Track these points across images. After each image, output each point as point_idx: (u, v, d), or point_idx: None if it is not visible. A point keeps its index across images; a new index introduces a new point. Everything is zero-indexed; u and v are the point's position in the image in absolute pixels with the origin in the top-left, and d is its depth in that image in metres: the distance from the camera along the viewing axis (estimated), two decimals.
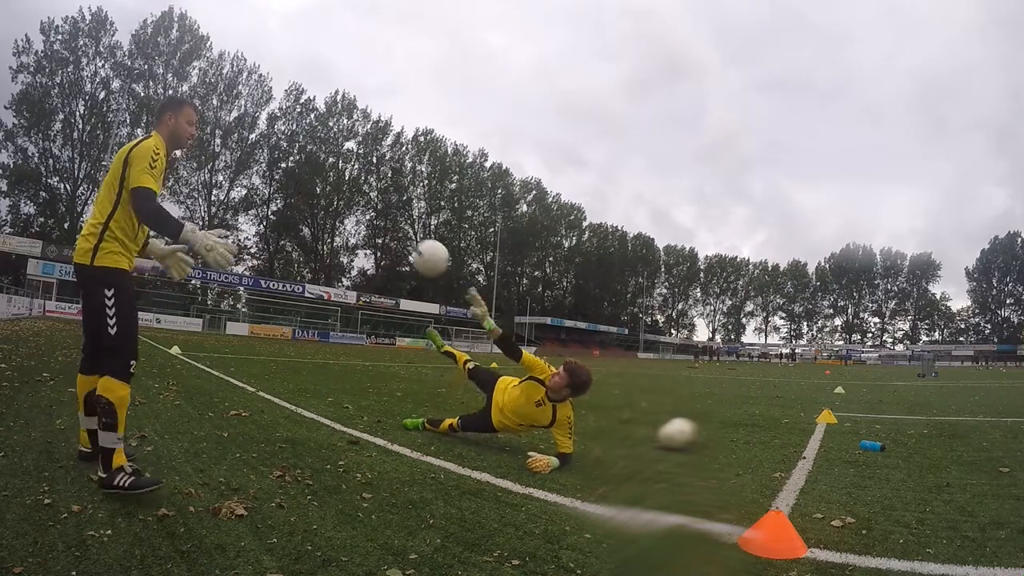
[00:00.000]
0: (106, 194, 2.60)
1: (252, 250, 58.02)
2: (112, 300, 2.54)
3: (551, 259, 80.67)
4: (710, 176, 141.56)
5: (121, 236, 2.59)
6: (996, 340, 77.78)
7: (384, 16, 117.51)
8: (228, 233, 3.23)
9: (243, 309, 47.60)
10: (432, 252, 3.82)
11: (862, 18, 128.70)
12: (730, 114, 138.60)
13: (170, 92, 49.92)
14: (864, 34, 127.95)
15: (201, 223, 46.81)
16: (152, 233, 2.86)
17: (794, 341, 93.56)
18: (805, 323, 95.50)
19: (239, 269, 53.14)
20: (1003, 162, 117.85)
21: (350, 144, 62.21)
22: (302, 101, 58.82)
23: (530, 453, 3.59)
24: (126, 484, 2.32)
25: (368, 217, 64.04)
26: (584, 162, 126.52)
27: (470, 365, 4.56)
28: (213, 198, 54.89)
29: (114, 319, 2.53)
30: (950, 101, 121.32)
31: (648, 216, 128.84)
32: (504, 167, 73.93)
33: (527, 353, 3.86)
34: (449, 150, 68.80)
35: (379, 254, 65.24)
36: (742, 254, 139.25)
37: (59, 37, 45.66)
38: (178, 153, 2.95)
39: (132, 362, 2.57)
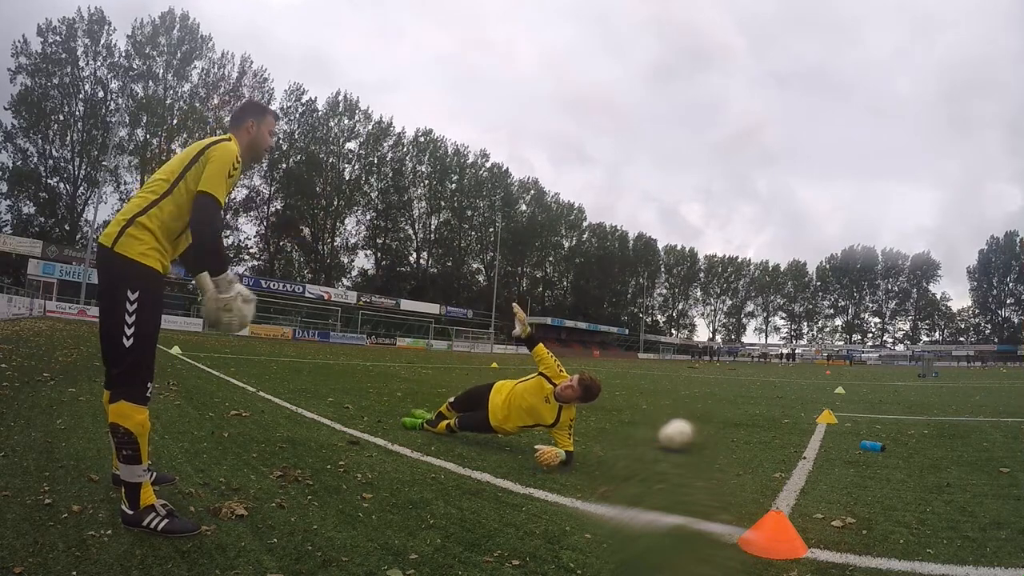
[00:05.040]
0: (158, 182, 2.22)
1: (252, 250, 58.03)
2: (135, 305, 2.10)
3: (551, 259, 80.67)
4: (718, 174, 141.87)
5: (157, 231, 2.17)
6: (996, 340, 77.77)
7: (387, 10, 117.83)
8: (255, 298, 2.40)
9: None
10: None
11: (874, 11, 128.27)
12: (740, 111, 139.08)
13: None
14: (877, 27, 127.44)
15: None
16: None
17: (794, 341, 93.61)
18: (805, 323, 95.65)
19: (240, 269, 53.12)
20: (1018, 159, 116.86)
21: (351, 144, 62.33)
22: (304, 101, 58.90)
23: (537, 446, 3.62)
24: (158, 527, 2.03)
25: (368, 217, 64.09)
26: (592, 158, 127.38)
27: (450, 400, 4.52)
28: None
29: (133, 327, 2.10)
30: (964, 96, 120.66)
31: (656, 214, 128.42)
32: (504, 167, 74.09)
33: (541, 345, 4.04)
34: (449, 150, 68.91)
35: (379, 254, 65.24)
36: (749, 253, 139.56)
37: (56, 38, 45.65)
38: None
39: (149, 384, 2.17)
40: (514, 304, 4.39)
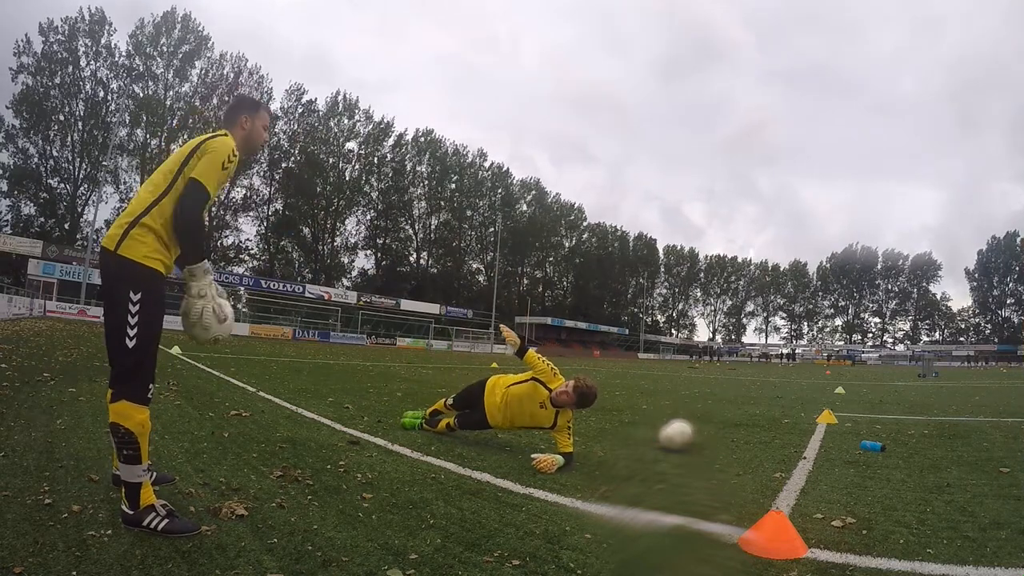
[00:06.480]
0: (157, 181, 2.23)
1: (252, 250, 57.99)
2: (137, 306, 2.11)
3: (551, 259, 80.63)
4: (720, 174, 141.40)
5: (160, 229, 2.18)
6: (996, 340, 77.75)
7: (387, 10, 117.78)
8: (231, 304, 2.51)
9: (243, 309, 47.50)
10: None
11: (877, 9, 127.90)
12: (742, 110, 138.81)
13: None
14: (880, 26, 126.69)
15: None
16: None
17: (794, 341, 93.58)
18: (805, 323, 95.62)
19: (240, 270, 53.14)
20: (1022, 158, 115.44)
21: (351, 144, 62.31)
22: (304, 101, 58.88)
23: (534, 455, 3.60)
24: (159, 527, 2.04)
25: (368, 217, 64.07)
26: (595, 157, 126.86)
27: (448, 401, 4.51)
28: (213, 198, 54.75)
29: (135, 328, 2.11)
30: (967, 96, 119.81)
31: (659, 213, 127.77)
32: (504, 167, 74.08)
33: (531, 351, 3.95)
34: (449, 150, 68.89)
35: (379, 254, 65.23)
36: (751, 252, 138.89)
37: (58, 38, 45.63)
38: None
39: (151, 385, 2.18)
40: (501, 326, 4.38)
